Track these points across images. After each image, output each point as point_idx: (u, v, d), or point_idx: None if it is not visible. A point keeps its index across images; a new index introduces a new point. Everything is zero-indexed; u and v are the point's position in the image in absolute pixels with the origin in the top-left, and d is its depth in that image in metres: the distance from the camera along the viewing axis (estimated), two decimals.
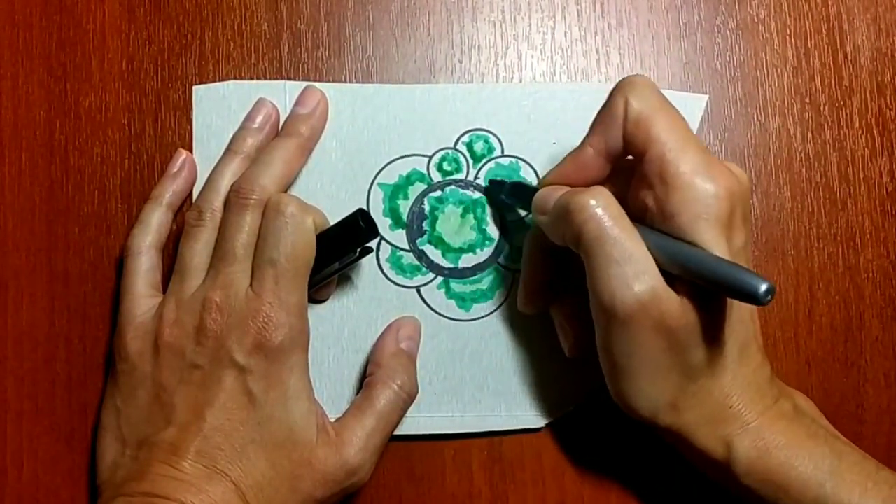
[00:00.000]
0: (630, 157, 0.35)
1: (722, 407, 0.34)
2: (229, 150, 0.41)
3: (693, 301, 0.33)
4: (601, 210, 0.33)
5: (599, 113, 0.36)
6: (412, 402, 0.39)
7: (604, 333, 0.34)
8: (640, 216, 0.34)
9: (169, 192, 0.41)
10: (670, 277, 0.33)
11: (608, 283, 0.33)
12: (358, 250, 0.39)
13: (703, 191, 0.32)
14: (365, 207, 0.41)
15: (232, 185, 0.39)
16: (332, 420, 0.38)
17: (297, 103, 0.41)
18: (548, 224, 0.36)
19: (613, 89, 0.35)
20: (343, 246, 0.38)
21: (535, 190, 0.38)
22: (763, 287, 0.30)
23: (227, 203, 0.38)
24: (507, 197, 0.41)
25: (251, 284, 0.36)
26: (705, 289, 0.33)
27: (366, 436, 0.37)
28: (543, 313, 0.40)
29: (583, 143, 0.36)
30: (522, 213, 0.41)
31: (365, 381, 0.39)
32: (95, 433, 0.39)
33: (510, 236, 0.42)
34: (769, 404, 0.35)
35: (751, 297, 0.30)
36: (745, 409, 0.34)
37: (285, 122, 0.41)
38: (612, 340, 0.34)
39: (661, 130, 0.33)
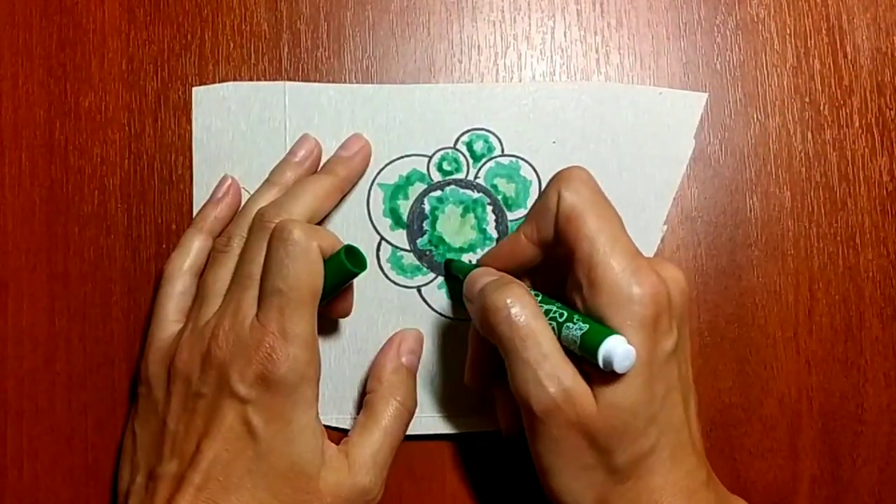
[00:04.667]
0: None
1: None
2: (268, 181, 0.40)
3: (614, 402, 0.32)
4: (516, 309, 0.33)
5: (535, 202, 0.36)
6: (412, 417, 0.39)
7: (527, 429, 0.34)
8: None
9: (210, 217, 0.40)
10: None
11: (524, 383, 0.33)
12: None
13: (627, 296, 0.32)
14: (365, 208, 0.41)
15: (258, 210, 0.38)
16: (334, 419, 0.37)
17: (340, 147, 0.41)
18: (473, 314, 0.36)
19: (551, 180, 0.35)
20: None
21: (471, 269, 0.38)
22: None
23: (250, 228, 0.38)
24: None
25: (257, 314, 0.35)
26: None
27: (374, 453, 0.37)
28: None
29: (518, 229, 0.37)
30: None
31: (365, 398, 0.39)
32: (96, 433, 0.40)
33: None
34: None
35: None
36: None
37: (326, 161, 0.41)
38: (535, 437, 0.34)
39: (590, 229, 0.33)
